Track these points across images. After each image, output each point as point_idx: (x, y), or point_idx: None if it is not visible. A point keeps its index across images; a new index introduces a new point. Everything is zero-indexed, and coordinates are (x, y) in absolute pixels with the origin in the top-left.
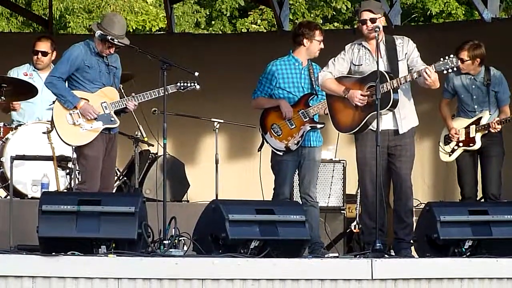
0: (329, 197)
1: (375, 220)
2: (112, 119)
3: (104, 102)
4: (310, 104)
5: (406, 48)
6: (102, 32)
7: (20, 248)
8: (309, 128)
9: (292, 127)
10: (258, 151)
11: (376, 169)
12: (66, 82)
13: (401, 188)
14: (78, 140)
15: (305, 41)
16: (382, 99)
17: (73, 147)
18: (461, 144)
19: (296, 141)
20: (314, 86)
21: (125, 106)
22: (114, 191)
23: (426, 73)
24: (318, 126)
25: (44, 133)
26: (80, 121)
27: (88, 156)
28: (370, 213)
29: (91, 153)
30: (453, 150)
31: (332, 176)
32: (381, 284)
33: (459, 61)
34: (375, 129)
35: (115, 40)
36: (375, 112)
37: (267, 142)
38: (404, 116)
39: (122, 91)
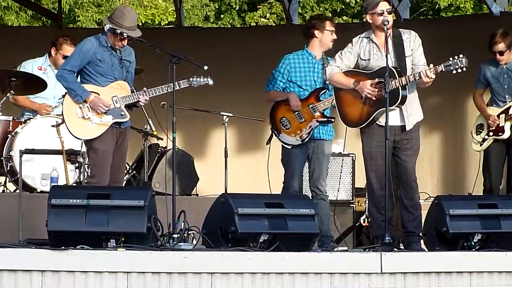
0: (338, 191)
1: (384, 213)
2: (122, 113)
3: (115, 96)
4: (321, 99)
5: (412, 44)
6: (111, 26)
7: (29, 242)
8: (318, 122)
9: (301, 121)
10: (267, 144)
11: (386, 162)
12: (78, 75)
13: (407, 181)
14: (87, 133)
15: (316, 32)
16: (391, 96)
17: (83, 141)
18: (491, 134)
19: (305, 135)
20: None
21: (136, 100)
22: (123, 185)
23: (427, 75)
24: (328, 121)
25: (53, 126)
26: (90, 114)
27: (97, 149)
28: (378, 207)
29: (101, 146)
30: (483, 140)
31: (341, 170)
32: (391, 278)
33: (497, 54)
34: (381, 124)
35: (124, 34)
36: (383, 109)
37: (276, 135)
38: (411, 112)
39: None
